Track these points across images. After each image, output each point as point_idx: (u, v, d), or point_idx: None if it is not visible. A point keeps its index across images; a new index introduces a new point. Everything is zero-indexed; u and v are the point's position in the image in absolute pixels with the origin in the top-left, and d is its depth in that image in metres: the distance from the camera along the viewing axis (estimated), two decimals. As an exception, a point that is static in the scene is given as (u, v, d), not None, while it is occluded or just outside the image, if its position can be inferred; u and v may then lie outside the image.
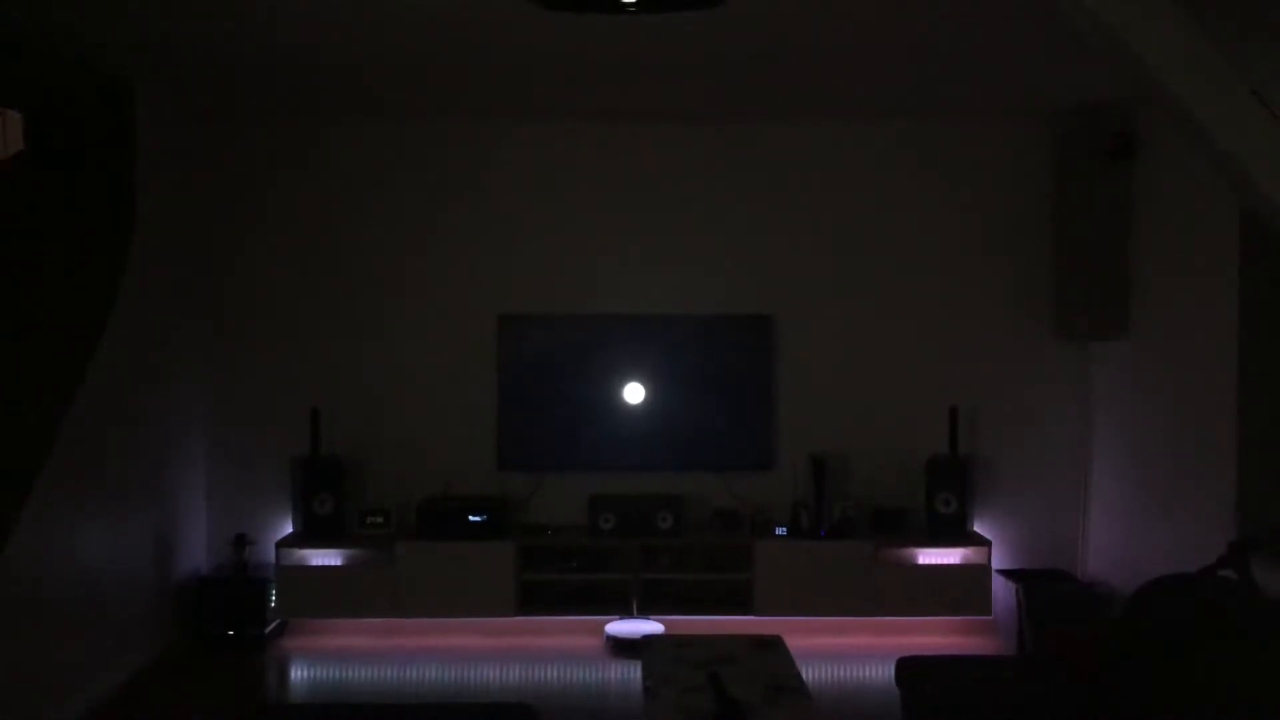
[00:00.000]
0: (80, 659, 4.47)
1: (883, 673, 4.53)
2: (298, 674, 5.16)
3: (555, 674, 5.06)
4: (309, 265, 5.68)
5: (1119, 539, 5.29)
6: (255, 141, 5.65)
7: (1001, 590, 5.37)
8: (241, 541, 5.42)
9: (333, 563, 5.40)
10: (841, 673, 5.12)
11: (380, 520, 5.47)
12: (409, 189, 5.68)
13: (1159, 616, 3.39)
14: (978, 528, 5.60)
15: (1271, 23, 3.75)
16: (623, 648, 5.24)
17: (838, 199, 5.70)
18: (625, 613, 5.42)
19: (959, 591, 5.38)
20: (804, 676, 3.72)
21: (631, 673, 4.81)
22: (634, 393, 5.58)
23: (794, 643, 4.17)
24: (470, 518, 5.40)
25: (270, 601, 5.35)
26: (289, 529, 5.57)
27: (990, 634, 5.49)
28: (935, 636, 5.45)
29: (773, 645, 4.05)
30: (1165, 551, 4.66)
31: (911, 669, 3.91)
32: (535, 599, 5.43)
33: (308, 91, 5.10)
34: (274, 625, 5.41)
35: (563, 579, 5.46)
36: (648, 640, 4.39)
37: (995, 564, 5.45)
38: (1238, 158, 2.79)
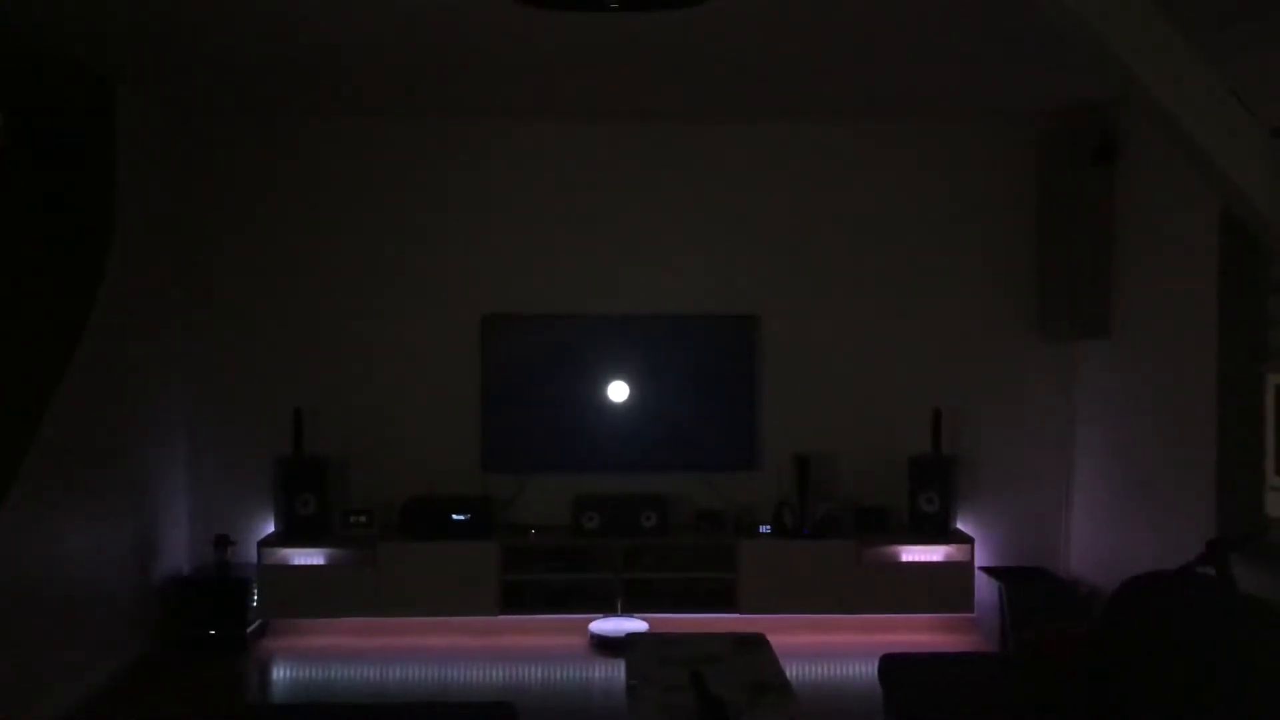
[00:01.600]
0: (60, 660, 4.44)
1: (866, 670, 4.55)
2: (280, 674, 5.13)
3: (539, 673, 5.06)
4: (292, 264, 5.65)
5: (1101, 537, 5.32)
6: (238, 139, 5.61)
7: (984, 588, 5.39)
8: (223, 542, 5.39)
9: (315, 562, 5.37)
10: (825, 670, 5.13)
11: (363, 520, 5.45)
12: (392, 188, 5.66)
13: (1140, 614, 3.41)
14: (961, 526, 5.62)
15: (1251, 24, 3.77)
16: (606, 646, 5.24)
17: (822, 199, 5.70)
18: (609, 612, 5.42)
19: (942, 589, 5.40)
20: (787, 674, 3.73)
21: (615, 672, 4.80)
22: (618, 393, 5.58)
23: (777, 641, 4.19)
24: (454, 517, 5.39)
25: (252, 602, 5.32)
26: (271, 529, 5.54)
27: (973, 631, 5.51)
28: (918, 634, 5.46)
29: (756, 643, 4.06)
30: (1147, 549, 4.69)
31: (894, 666, 3.92)
32: (519, 598, 5.42)
33: (291, 89, 5.07)
34: (256, 625, 5.38)
35: (546, 578, 5.45)
36: (631, 639, 4.39)
37: (978, 562, 5.48)
38: (1216, 158, 2.81)
